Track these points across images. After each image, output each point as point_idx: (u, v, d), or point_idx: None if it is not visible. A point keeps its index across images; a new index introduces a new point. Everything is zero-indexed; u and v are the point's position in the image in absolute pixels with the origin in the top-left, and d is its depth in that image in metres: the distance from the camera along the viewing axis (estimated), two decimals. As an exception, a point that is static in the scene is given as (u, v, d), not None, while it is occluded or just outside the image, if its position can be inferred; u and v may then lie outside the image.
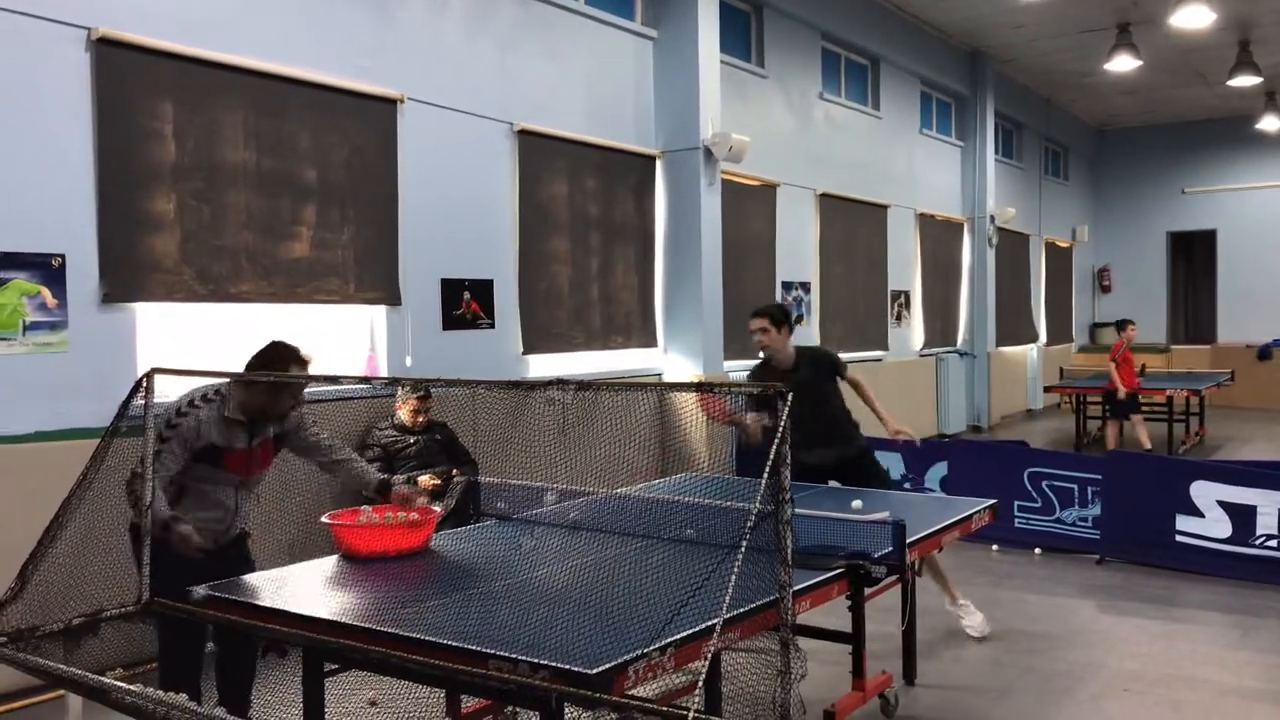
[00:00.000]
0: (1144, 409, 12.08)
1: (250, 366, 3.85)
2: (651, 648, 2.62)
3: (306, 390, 4.07)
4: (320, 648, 3.15)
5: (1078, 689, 4.89)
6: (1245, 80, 14.38)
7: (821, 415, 5.54)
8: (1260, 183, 19.09)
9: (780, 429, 2.65)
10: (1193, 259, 21.04)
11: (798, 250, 11.18)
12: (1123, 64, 13.25)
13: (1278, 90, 16.61)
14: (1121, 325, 12.01)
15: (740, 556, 2.62)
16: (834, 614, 4.12)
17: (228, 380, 3.83)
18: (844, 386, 5.79)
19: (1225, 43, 13.80)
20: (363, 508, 4.15)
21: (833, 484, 5.52)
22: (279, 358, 3.83)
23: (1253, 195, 19.21)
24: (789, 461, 2.65)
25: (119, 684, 2.79)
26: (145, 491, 3.62)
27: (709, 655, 2.68)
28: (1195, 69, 15.52)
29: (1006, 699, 4.78)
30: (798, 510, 2.82)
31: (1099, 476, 7.38)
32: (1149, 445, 11.45)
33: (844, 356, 11.86)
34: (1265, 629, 5.75)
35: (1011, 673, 5.10)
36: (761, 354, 5.67)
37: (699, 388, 2.95)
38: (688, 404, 8.40)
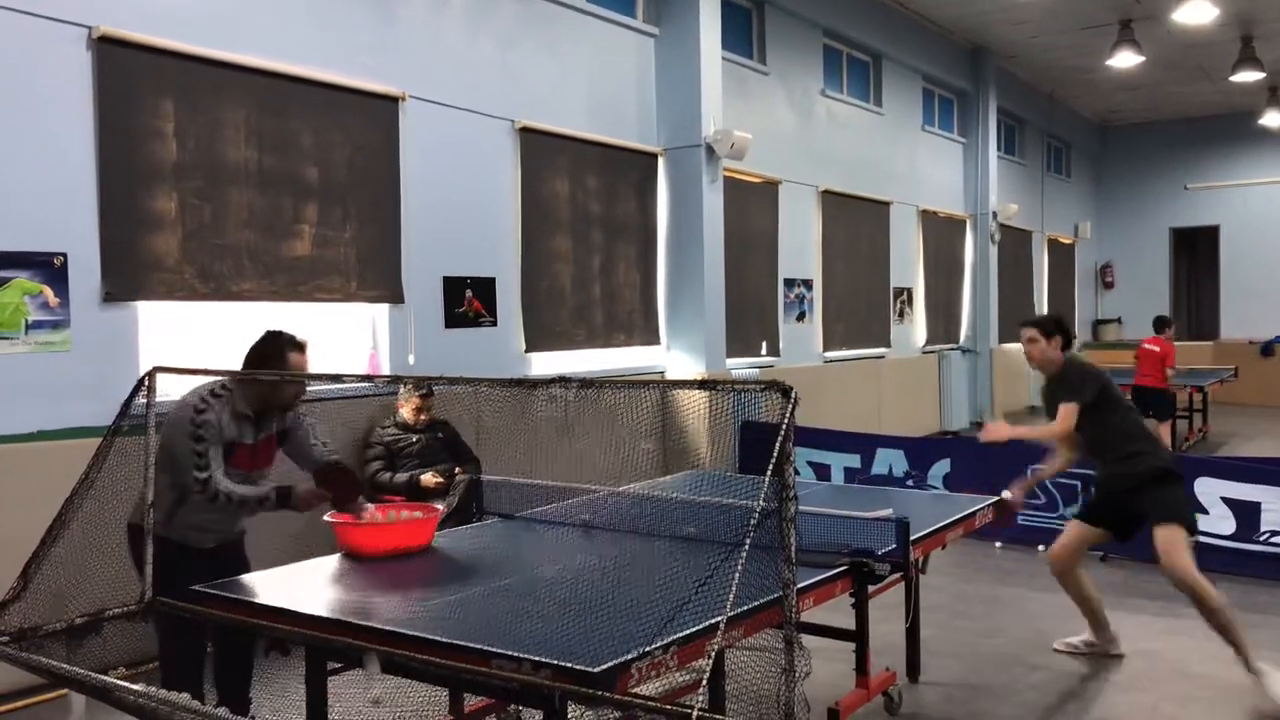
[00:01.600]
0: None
1: (248, 357, 3.86)
2: (655, 646, 2.61)
3: (310, 388, 4.07)
4: (323, 646, 3.14)
5: (1082, 686, 4.88)
6: (1248, 76, 14.36)
7: (1092, 434, 5.06)
8: (1263, 178, 19.06)
9: (785, 425, 2.64)
10: (1195, 255, 21.01)
11: (800, 247, 11.17)
12: (1125, 60, 13.23)
13: (1280, 86, 16.59)
14: (1165, 323, 11.76)
15: (744, 554, 2.61)
16: (838, 611, 4.11)
17: (229, 377, 3.83)
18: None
19: (1228, 38, 13.77)
20: (366, 506, 4.14)
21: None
22: (275, 346, 3.84)
23: (1256, 191, 19.18)
24: (792, 458, 2.64)
25: (122, 683, 2.78)
26: (149, 492, 3.61)
27: (713, 653, 2.68)
28: (1198, 65, 15.49)
29: (1011, 697, 4.77)
30: (801, 508, 2.81)
31: (1102, 473, 7.35)
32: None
33: (847, 353, 12.02)
34: (1270, 625, 5.73)
35: (1016, 670, 5.09)
36: (1030, 365, 5.27)
37: (701, 385, 2.93)
38: (690, 401, 8.41)
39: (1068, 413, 4.94)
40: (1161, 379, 11.24)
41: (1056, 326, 5.16)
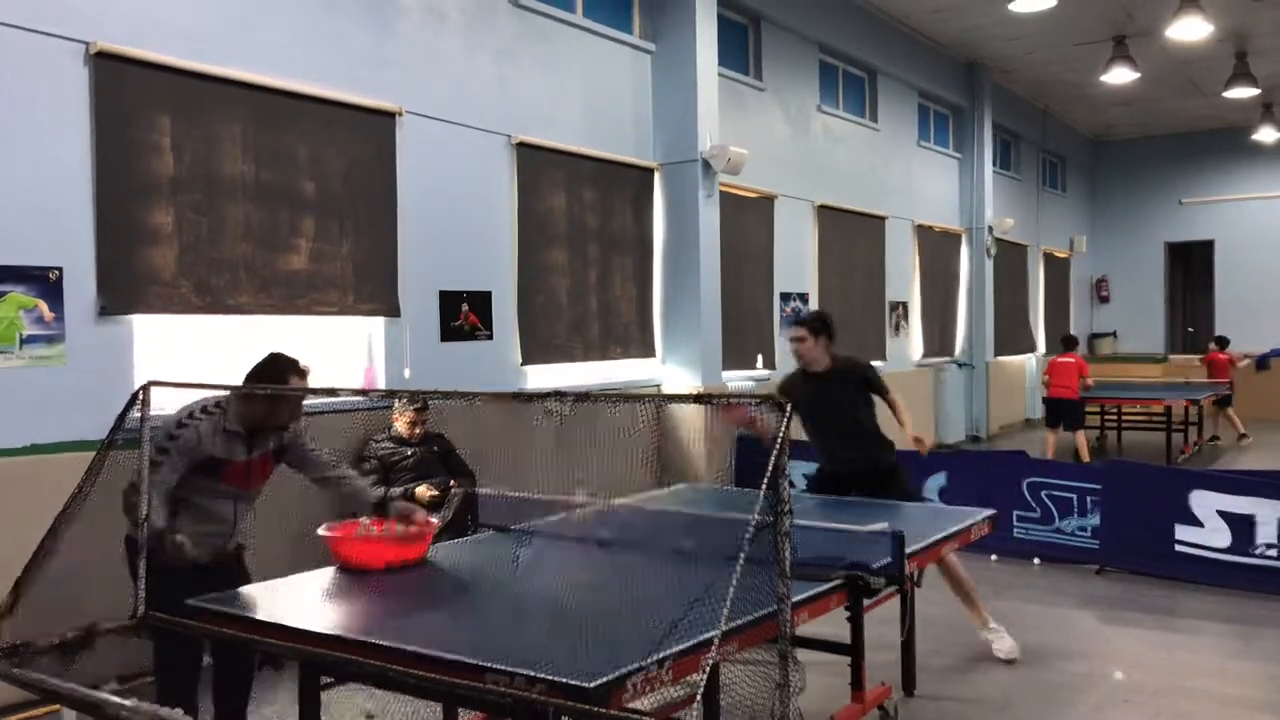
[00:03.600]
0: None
1: (249, 378, 3.85)
2: (649, 660, 2.60)
3: (305, 402, 4.07)
4: (316, 661, 3.13)
5: (1078, 700, 4.87)
6: (1242, 91, 14.42)
7: (842, 423, 5.60)
8: (1257, 193, 19.13)
9: (779, 440, 2.64)
10: (1190, 269, 21.07)
11: (796, 261, 11.19)
12: (1120, 75, 13.29)
13: (1274, 101, 16.66)
14: (1074, 342, 12.78)
15: (738, 568, 2.61)
16: (833, 625, 4.10)
17: (228, 393, 3.83)
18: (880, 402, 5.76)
19: (1222, 54, 13.84)
20: (360, 520, 4.13)
21: (855, 498, 5.42)
22: (277, 370, 3.84)
23: (1250, 206, 19.25)
24: (787, 472, 2.64)
25: (113, 698, 2.77)
26: (142, 504, 3.61)
27: (707, 668, 2.67)
28: (1192, 80, 15.57)
29: (1007, 710, 4.76)
30: (796, 521, 2.80)
31: (1098, 486, 7.37)
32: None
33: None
34: (1266, 639, 5.73)
35: (1012, 684, 5.08)
36: (798, 362, 5.70)
37: (697, 399, 2.93)
38: (686, 415, 8.41)
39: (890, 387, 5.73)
40: (1074, 391, 12.00)
41: (823, 325, 5.65)
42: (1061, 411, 12.12)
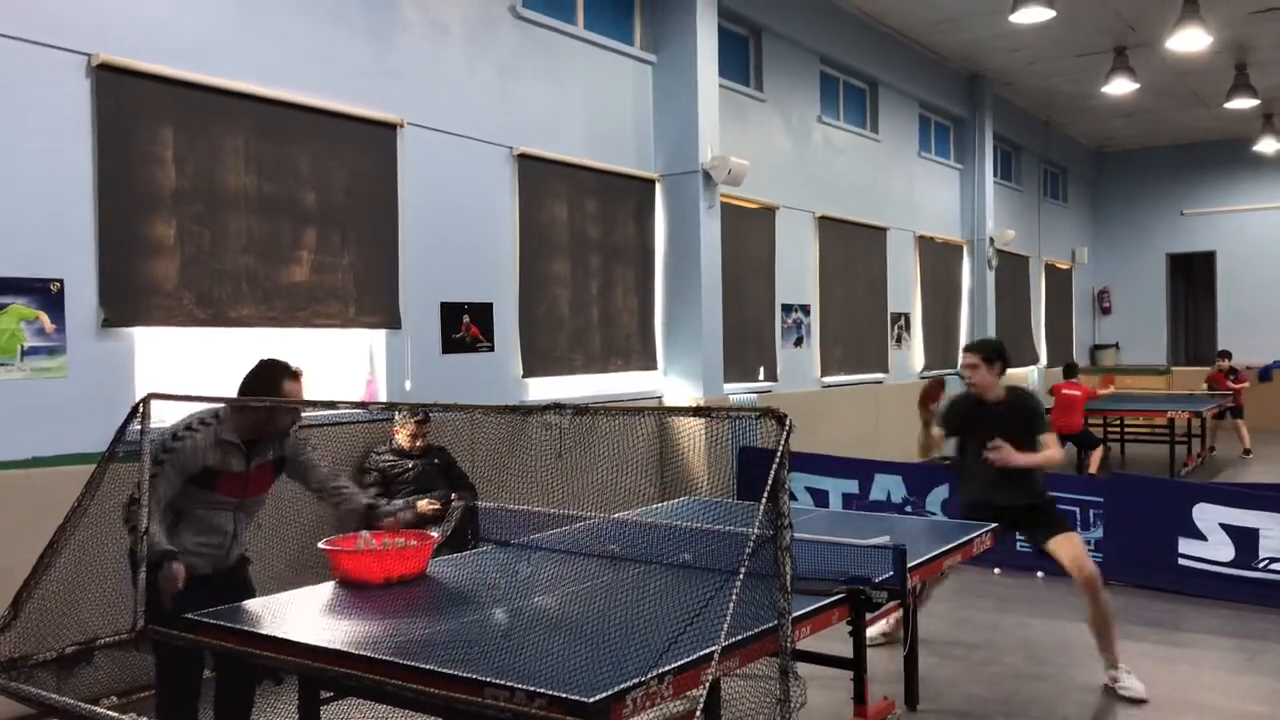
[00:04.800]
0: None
1: (242, 386, 3.84)
2: (649, 675, 2.59)
3: (305, 414, 4.06)
4: (316, 675, 3.12)
5: (1082, 714, 4.85)
6: (1243, 103, 14.43)
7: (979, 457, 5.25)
8: (1259, 204, 19.13)
9: (780, 452, 2.63)
10: (1192, 280, 21.06)
11: (797, 273, 11.19)
12: (1120, 87, 13.30)
13: (1275, 112, 16.67)
14: (1075, 370, 13.02)
15: (739, 582, 2.60)
16: (835, 639, 4.09)
17: (224, 404, 3.82)
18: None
19: (1222, 65, 13.86)
20: (361, 533, 4.12)
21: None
22: (270, 375, 3.83)
23: (1252, 217, 19.25)
24: (788, 486, 2.63)
25: (112, 714, 2.76)
26: (142, 517, 3.60)
27: (708, 683, 2.66)
28: (1192, 92, 15.58)
29: (1009, 725, 4.74)
30: (797, 535, 2.79)
31: (1100, 499, 7.34)
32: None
33: (845, 379, 12.01)
34: (1270, 653, 5.71)
35: (1015, 698, 5.06)
36: (970, 390, 5.46)
37: (696, 412, 2.93)
38: (687, 427, 8.39)
39: (1055, 441, 5.30)
40: (1078, 425, 11.94)
41: (997, 353, 5.41)
42: (1073, 442, 11.79)
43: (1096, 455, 11.98)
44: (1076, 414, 11.92)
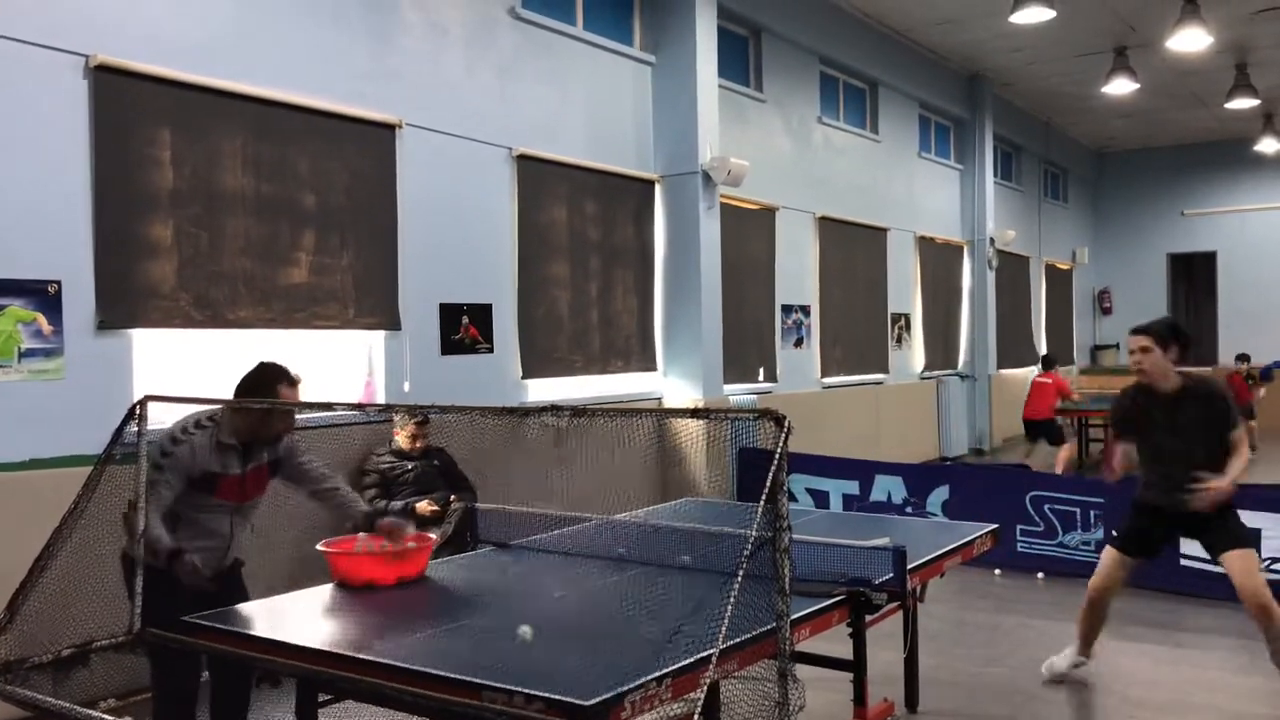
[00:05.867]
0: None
1: (239, 389, 3.83)
2: (648, 678, 2.58)
3: (302, 417, 4.05)
4: (314, 678, 3.10)
5: (1083, 716, 4.83)
6: (1243, 103, 14.42)
7: (1179, 459, 4.69)
8: (1260, 204, 19.12)
9: (779, 453, 2.62)
10: (1193, 281, 21.04)
11: (797, 274, 11.18)
12: (1121, 87, 13.29)
13: (1275, 112, 16.66)
14: (1052, 362, 12.89)
15: (737, 584, 2.58)
16: (835, 640, 4.07)
17: (221, 406, 3.81)
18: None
19: (1223, 65, 13.85)
20: (359, 535, 4.11)
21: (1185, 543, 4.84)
22: (267, 379, 3.81)
23: (1252, 217, 19.24)
24: (787, 487, 2.62)
25: (108, 717, 2.75)
26: (139, 521, 3.59)
27: (706, 685, 2.64)
28: (1193, 92, 15.57)
29: (1011, 727, 4.72)
30: (796, 537, 2.78)
31: (1101, 500, 7.33)
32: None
33: (845, 379, 12.00)
34: (1272, 654, 5.68)
35: (1016, 700, 5.04)
36: (1140, 378, 4.82)
37: (694, 413, 2.91)
38: (687, 428, 8.38)
39: (1244, 428, 4.71)
40: (1049, 411, 12.08)
41: (1174, 333, 4.75)
42: (1039, 430, 12.16)
43: (1064, 453, 11.91)
44: (1043, 401, 12.07)
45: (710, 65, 9.01)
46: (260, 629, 3.32)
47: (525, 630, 2.62)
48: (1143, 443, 4.89)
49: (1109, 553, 5.04)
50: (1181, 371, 4.79)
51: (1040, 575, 7.46)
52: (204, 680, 3.87)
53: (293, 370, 3.88)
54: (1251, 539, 4.84)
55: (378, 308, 6.64)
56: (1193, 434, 4.63)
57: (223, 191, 5.78)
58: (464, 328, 7.22)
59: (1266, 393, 15.53)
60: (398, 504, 5.98)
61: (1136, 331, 4.81)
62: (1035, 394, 12.22)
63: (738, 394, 9.86)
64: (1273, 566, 6.60)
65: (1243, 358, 15.39)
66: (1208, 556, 6.81)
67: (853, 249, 12.25)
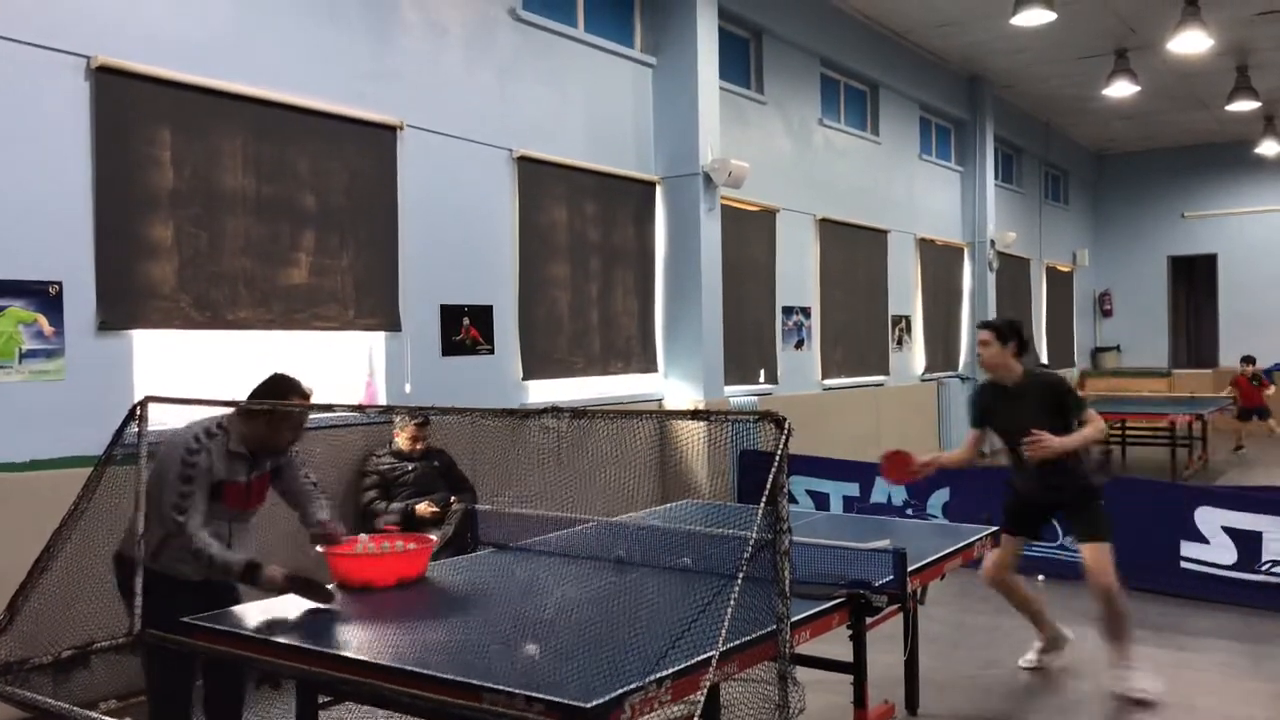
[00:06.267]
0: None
1: (252, 398, 3.81)
2: (648, 680, 2.58)
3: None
4: (314, 680, 3.10)
5: (1085, 718, 4.82)
6: (1244, 105, 14.42)
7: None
8: (1260, 207, 19.12)
9: (779, 456, 2.62)
10: (1194, 283, 21.04)
11: (798, 275, 11.18)
12: (1121, 89, 13.29)
13: (1276, 115, 16.66)
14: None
15: (738, 587, 2.58)
16: (836, 642, 4.07)
17: (228, 413, 3.80)
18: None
19: (1223, 68, 13.85)
20: (359, 537, 4.11)
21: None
22: (281, 391, 3.80)
23: (1253, 219, 19.23)
24: (787, 489, 2.62)
25: (108, 718, 2.75)
26: (139, 522, 3.58)
27: (706, 687, 2.64)
28: (1193, 94, 15.57)
29: (1011, 729, 4.72)
30: (796, 539, 2.78)
31: (1102, 503, 7.30)
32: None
33: (845, 381, 11.99)
34: (1274, 657, 5.68)
35: (1015, 703, 5.04)
36: (985, 370, 5.32)
37: (694, 415, 2.91)
38: (687, 429, 8.37)
39: (1096, 415, 5.11)
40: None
41: (1014, 331, 5.23)
42: None
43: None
44: None
45: (711, 67, 9.01)
46: (260, 630, 3.32)
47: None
48: (998, 432, 5.36)
49: (1002, 536, 5.41)
50: (1027, 369, 5.28)
51: (1041, 578, 7.44)
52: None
53: (305, 384, 3.88)
54: (1109, 533, 5.15)
55: (378, 309, 6.64)
56: (1035, 421, 5.00)
57: (223, 192, 5.78)
58: (465, 329, 7.22)
59: (1276, 391, 15.49)
60: (398, 505, 5.98)
61: (982, 326, 5.33)
62: None
63: (738, 396, 9.86)
64: (1273, 569, 6.60)
65: (1248, 360, 15.31)
66: (1208, 559, 6.83)
67: (853, 251, 12.25)
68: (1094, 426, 5.04)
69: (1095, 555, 5.09)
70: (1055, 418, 5.03)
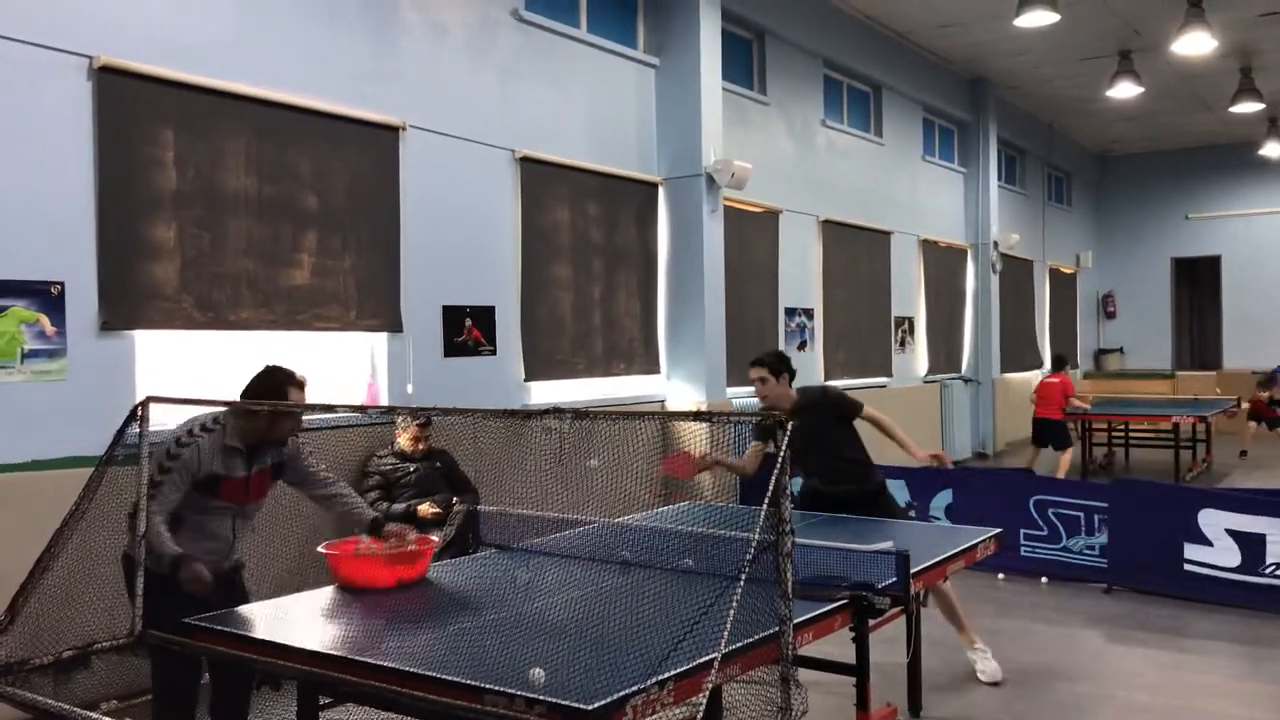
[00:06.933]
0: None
1: (247, 393, 3.82)
2: (650, 682, 2.57)
3: (304, 418, 4.04)
4: (315, 680, 3.09)
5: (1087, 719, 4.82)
6: (1247, 106, 14.40)
7: (824, 456, 5.50)
8: (1264, 208, 19.09)
9: (779, 459, 2.61)
10: (1197, 285, 21.01)
11: (800, 276, 11.17)
12: (1125, 91, 13.27)
13: (1280, 116, 16.65)
14: (1064, 362, 13.10)
15: (740, 588, 2.57)
16: (838, 644, 4.06)
17: (226, 408, 3.80)
18: (864, 426, 5.62)
19: (1227, 69, 13.83)
20: (360, 537, 4.10)
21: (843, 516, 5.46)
22: (275, 383, 3.81)
23: (1257, 221, 19.21)
24: (789, 492, 2.61)
25: (109, 719, 2.74)
26: (141, 522, 3.58)
27: (708, 690, 2.63)
28: (1197, 96, 15.55)
29: (1014, 732, 4.70)
30: (799, 540, 2.77)
31: (1105, 504, 7.31)
32: None
33: (848, 382, 11.97)
34: (1276, 660, 5.67)
35: (1018, 705, 5.02)
36: (760, 403, 5.63)
37: (697, 416, 2.91)
38: (690, 431, 8.35)
39: (875, 412, 5.61)
40: (1059, 412, 12.17)
41: (783, 363, 5.56)
42: (1045, 431, 12.26)
43: (1066, 458, 11.98)
44: (1050, 404, 12.17)
45: (714, 68, 9.01)
46: (261, 631, 3.31)
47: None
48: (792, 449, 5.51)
49: None
50: (799, 389, 5.67)
51: (1044, 580, 7.44)
52: (204, 682, 3.86)
53: (299, 373, 3.88)
54: (902, 513, 5.69)
55: (380, 309, 6.64)
56: (822, 431, 5.39)
57: (225, 193, 5.78)
58: (467, 330, 7.22)
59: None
60: (399, 506, 5.98)
61: (753, 364, 5.60)
62: (1042, 394, 12.30)
63: (741, 397, 9.84)
64: (1277, 572, 6.58)
65: (1267, 384, 15.02)
66: (1212, 561, 6.83)
67: (856, 252, 12.24)
68: (886, 418, 5.58)
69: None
70: (835, 424, 5.53)
